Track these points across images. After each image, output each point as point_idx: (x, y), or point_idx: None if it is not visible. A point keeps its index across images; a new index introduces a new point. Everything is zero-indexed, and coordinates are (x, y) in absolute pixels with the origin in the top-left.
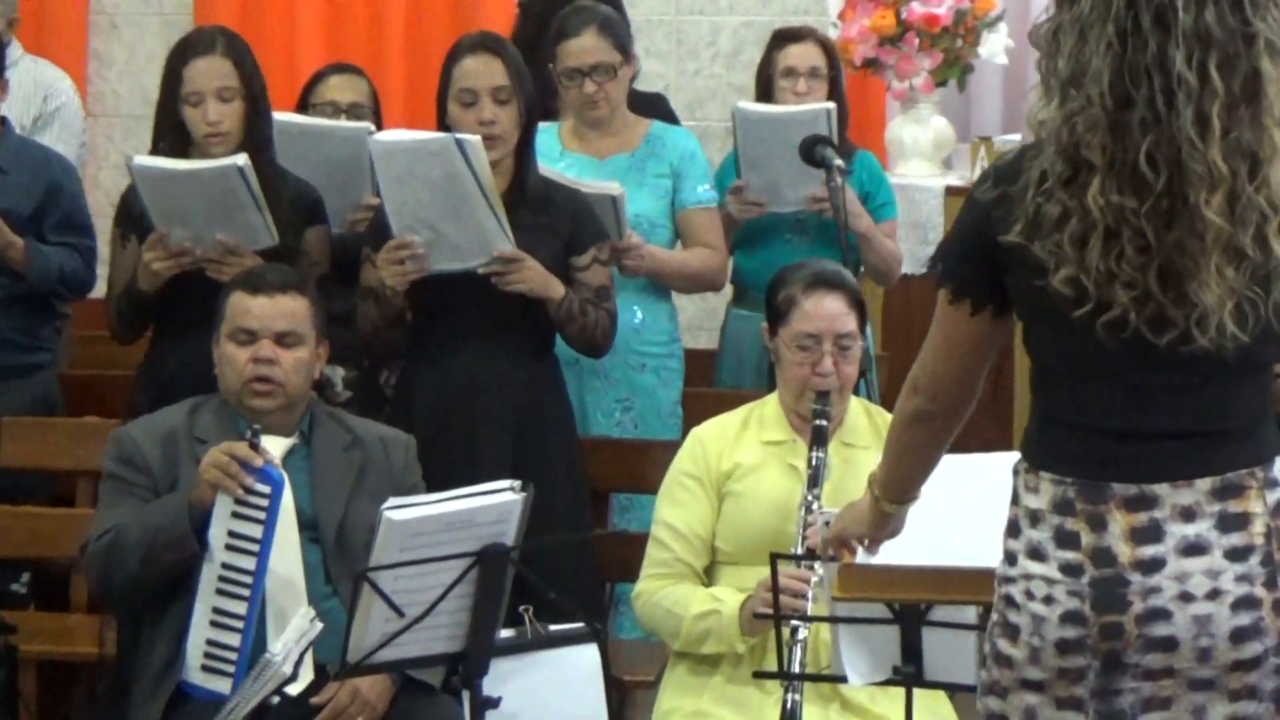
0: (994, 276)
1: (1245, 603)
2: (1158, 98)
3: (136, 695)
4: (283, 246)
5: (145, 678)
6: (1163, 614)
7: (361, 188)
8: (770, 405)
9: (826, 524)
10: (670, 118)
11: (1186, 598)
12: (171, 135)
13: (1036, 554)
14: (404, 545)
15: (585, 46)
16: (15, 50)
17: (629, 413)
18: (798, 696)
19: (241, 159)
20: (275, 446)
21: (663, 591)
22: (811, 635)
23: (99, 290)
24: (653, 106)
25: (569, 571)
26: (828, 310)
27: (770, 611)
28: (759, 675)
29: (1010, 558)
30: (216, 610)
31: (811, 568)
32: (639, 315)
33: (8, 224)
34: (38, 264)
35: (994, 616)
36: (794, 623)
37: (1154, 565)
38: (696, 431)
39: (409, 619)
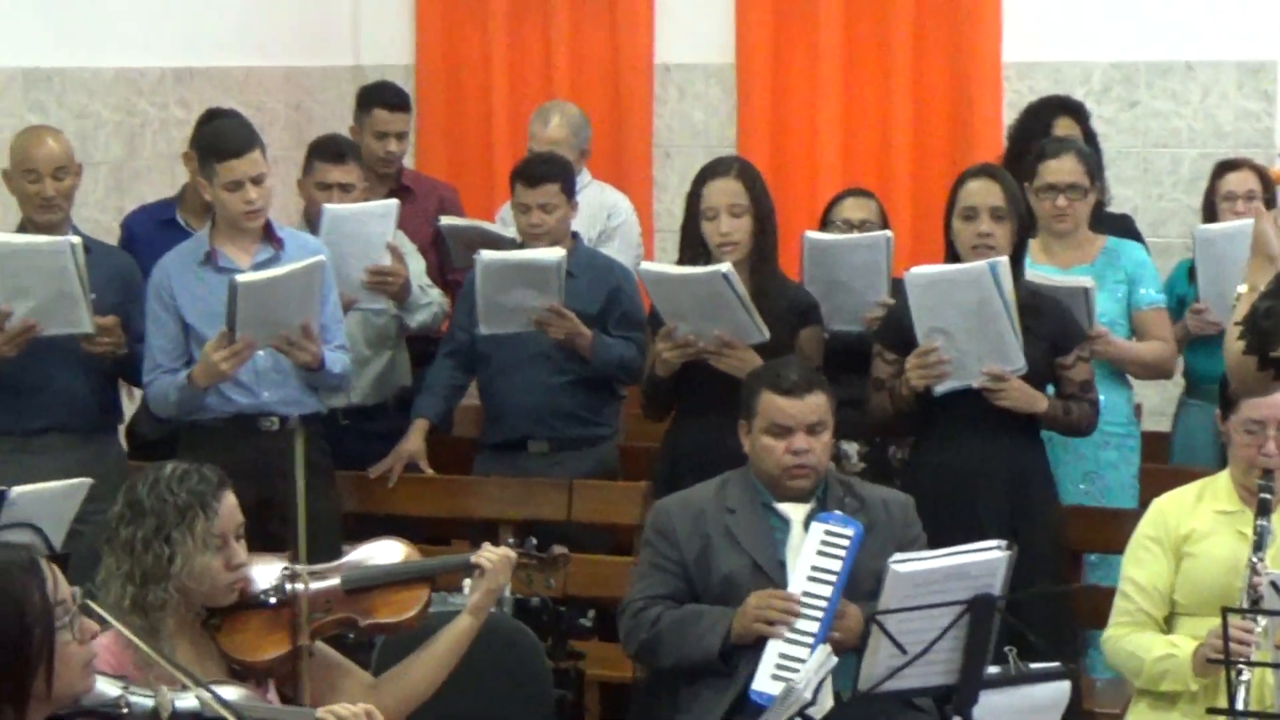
0: None
1: None
2: None
3: (703, 691)
4: (775, 342)
5: (707, 679)
6: None
7: (879, 289)
8: (1222, 480)
9: (1272, 584)
10: (1135, 235)
11: None
12: (693, 245)
13: None
14: (907, 593)
15: (1064, 167)
16: (584, 177)
17: (1094, 484)
18: None
19: (725, 267)
20: (795, 513)
21: (1128, 637)
22: (1255, 678)
23: None
24: (1120, 224)
25: (1048, 619)
26: (1273, 401)
27: (1220, 657)
28: (1212, 711)
29: None
30: (793, 629)
31: (1256, 620)
32: (1102, 398)
33: (578, 319)
34: (601, 353)
35: None
36: (1240, 667)
37: None
38: (1158, 501)
39: (911, 655)
